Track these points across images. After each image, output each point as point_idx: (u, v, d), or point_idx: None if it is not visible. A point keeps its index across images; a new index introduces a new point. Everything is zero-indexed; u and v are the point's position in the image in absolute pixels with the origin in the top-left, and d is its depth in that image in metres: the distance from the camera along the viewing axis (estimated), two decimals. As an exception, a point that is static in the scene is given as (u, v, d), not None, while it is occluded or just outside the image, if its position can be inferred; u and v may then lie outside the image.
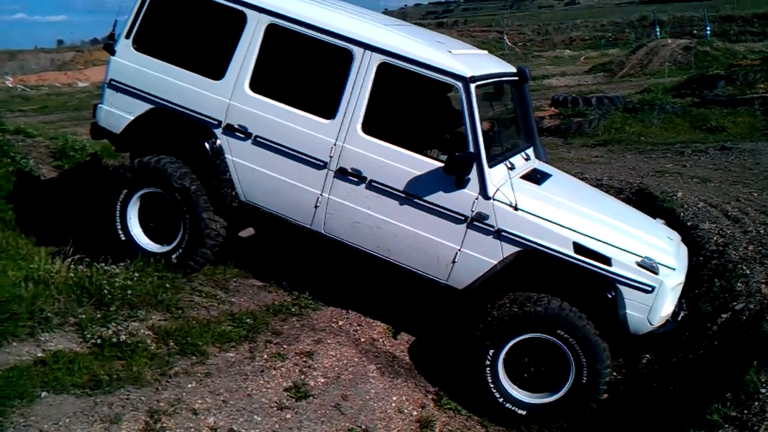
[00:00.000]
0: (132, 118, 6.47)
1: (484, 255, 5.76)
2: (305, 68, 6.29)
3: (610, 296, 5.58)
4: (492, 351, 5.72)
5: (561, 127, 16.89)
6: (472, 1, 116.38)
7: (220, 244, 6.58)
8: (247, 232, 7.03)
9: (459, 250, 5.80)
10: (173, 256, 6.46)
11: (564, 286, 5.72)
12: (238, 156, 6.22)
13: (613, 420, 5.76)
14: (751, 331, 5.88)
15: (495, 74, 6.24)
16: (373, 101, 5.89)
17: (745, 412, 4.69)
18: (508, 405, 5.78)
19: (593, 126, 16.57)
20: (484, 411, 5.86)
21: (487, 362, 5.74)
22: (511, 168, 6.01)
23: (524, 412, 5.77)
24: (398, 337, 6.56)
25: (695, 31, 41.46)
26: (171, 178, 6.31)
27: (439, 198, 5.76)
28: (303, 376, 5.58)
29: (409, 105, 6.51)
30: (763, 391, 4.84)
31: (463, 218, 5.74)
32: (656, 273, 5.54)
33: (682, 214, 8.59)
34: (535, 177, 6.24)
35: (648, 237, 5.93)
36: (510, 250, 5.70)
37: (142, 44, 6.47)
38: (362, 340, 6.31)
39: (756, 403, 4.72)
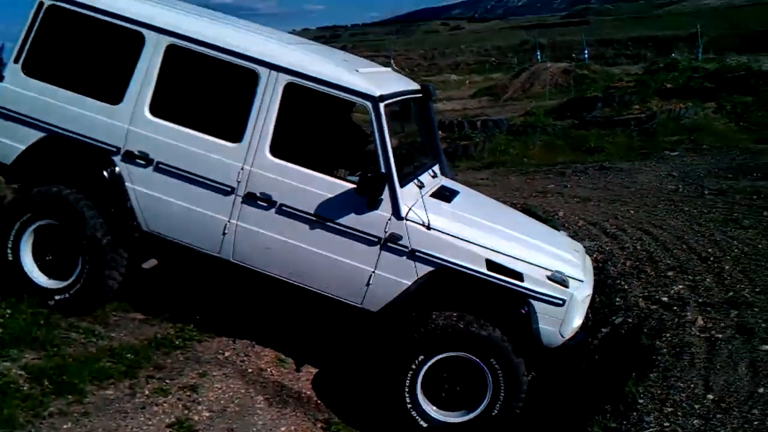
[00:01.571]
0: (24, 147, 6.08)
1: (399, 276, 5.68)
2: (209, 90, 6.06)
3: (523, 311, 5.60)
4: (421, 358, 5.63)
5: (448, 151, 17.10)
6: (359, 27, 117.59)
7: (122, 279, 6.27)
8: (150, 263, 6.76)
9: (373, 272, 5.69)
10: (62, 296, 6.13)
11: (478, 304, 5.71)
12: (140, 184, 5.94)
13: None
14: (630, 345, 6.08)
15: (402, 92, 6.19)
16: (281, 123, 5.73)
17: (624, 422, 4.82)
18: (419, 419, 5.72)
19: (479, 149, 16.95)
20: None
21: (410, 372, 5.65)
22: (421, 186, 5.96)
23: (426, 425, 5.73)
24: (301, 369, 6.44)
25: (574, 55, 42.95)
26: (69, 209, 5.97)
27: (351, 220, 5.65)
28: (187, 411, 5.39)
29: (317, 126, 6.42)
30: (641, 401, 4.99)
31: (376, 240, 5.65)
32: (566, 286, 5.60)
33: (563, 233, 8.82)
34: (444, 194, 6.22)
35: (556, 250, 5.98)
36: (424, 269, 5.65)
37: (32, 69, 6.09)
38: (249, 370, 6.16)
39: (634, 414, 4.86)
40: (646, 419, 4.75)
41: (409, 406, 5.70)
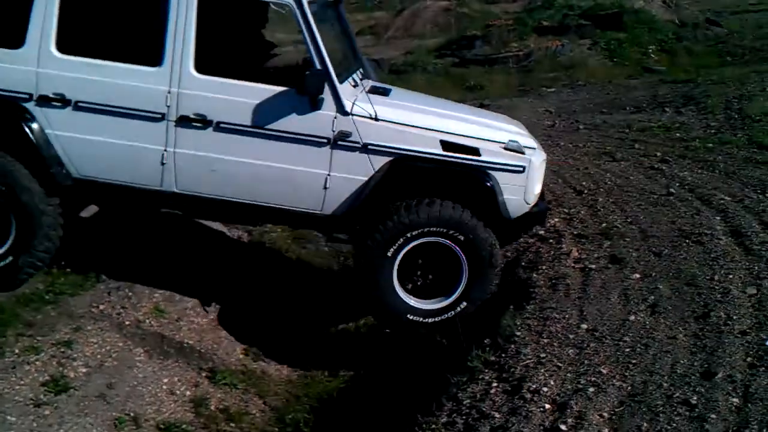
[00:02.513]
0: None
1: (355, 173, 5.58)
2: (116, 16, 5.66)
3: (488, 185, 5.60)
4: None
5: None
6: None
7: (61, 234, 5.89)
8: (90, 210, 6.45)
9: (328, 175, 5.56)
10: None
11: (438, 190, 5.68)
12: (61, 128, 5.55)
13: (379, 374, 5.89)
14: (507, 278, 6.20)
15: None
16: (201, 37, 5.44)
17: (503, 355, 4.92)
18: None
19: (361, 89, 16.78)
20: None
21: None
22: (355, 85, 5.85)
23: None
24: (182, 319, 6.26)
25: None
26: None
27: (295, 125, 5.46)
28: (61, 369, 5.19)
29: (236, 36, 6.17)
30: (518, 334, 5.10)
31: (325, 140, 5.49)
32: (523, 153, 5.69)
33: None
34: (379, 91, 6.11)
35: (502, 125, 6.09)
36: (380, 162, 5.56)
37: None
38: (127, 323, 5.95)
39: (512, 347, 4.96)
40: (523, 351, 4.85)
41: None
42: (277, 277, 7.42)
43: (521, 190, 5.69)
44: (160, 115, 5.50)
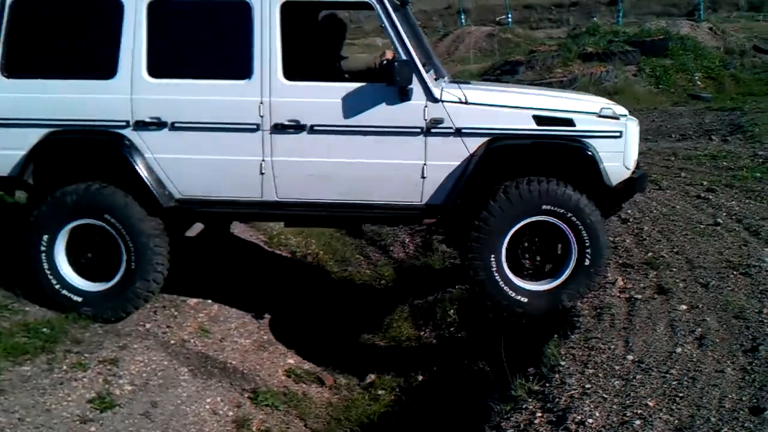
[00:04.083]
0: (25, 152, 5.74)
1: (451, 159, 5.63)
2: (202, 36, 5.82)
3: (588, 153, 5.60)
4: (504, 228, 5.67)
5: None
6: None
7: (169, 260, 6.02)
8: (195, 229, 6.56)
9: (424, 164, 5.63)
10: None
11: (536, 167, 5.72)
12: (160, 151, 5.72)
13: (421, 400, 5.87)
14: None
15: None
16: (286, 45, 5.60)
17: (547, 385, 4.87)
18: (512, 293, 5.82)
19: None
20: None
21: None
22: (436, 78, 5.93)
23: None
24: (226, 339, 6.32)
25: (498, 19, 43.08)
26: (104, 203, 5.76)
27: (387, 118, 5.56)
28: (107, 386, 5.27)
29: (315, 40, 6.29)
30: (562, 363, 5.05)
31: (418, 129, 5.57)
32: (617, 119, 5.71)
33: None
34: (459, 82, 6.16)
35: (589, 97, 6.15)
36: (475, 144, 5.59)
37: (12, 68, 5.75)
38: (172, 342, 6.05)
39: (557, 376, 4.91)
40: (568, 381, 4.80)
41: (501, 281, 5.76)
42: (319, 296, 7.46)
43: (620, 155, 5.70)
44: (254, 126, 5.63)
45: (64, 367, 5.33)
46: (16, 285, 6.19)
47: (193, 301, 6.61)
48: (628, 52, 20.19)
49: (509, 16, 40.11)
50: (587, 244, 5.71)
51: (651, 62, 19.61)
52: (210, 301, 6.73)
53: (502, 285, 5.78)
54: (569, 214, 5.64)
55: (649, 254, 6.75)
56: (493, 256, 5.71)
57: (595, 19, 33.62)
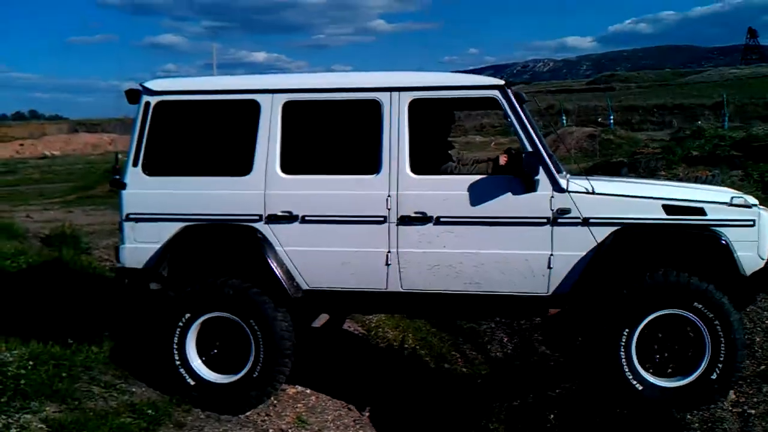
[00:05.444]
0: (160, 246, 6.08)
1: (578, 249, 5.61)
2: (332, 133, 6.12)
3: (722, 242, 5.46)
4: (634, 320, 5.53)
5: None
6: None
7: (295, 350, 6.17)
8: (321, 320, 6.73)
9: (551, 254, 5.62)
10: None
11: (667, 257, 5.61)
12: (290, 243, 5.95)
13: None
14: (660, 417, 5.92)
15: None
16: (414, 140, 5.78)
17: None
18: (635, 383, 5.54)
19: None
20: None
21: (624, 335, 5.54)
22: (559, 171, 5.94)
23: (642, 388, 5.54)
24: (323, 430, 6.31)
25: (599, 120, 43.00)
26: (246, 300, 5.96)
27: (513, 209, 5.62)
28: (207, 471, 5.33)
29: (440, 133, 6.48)
30: None
31: (545, 220, 5.60)
32: (749, 207, 5.58)
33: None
34: (581, 175, 6.17)
35: (717, 188, 6.12)
36: (602, 234, 5.56)
37: (152, 167, 6.12)
38: (270, 430, 6.08)
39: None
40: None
41: (625, 369, 5.54)
42: (416, 390, 7.39)
43: (754, 245, 5.53)
44: (381, 218, 5.78)
45: (167, 450, 5.40)
46: (126, 365, 6.37)
47: (292, 390, 6.64)
48: (734, 157, 19.80)
49: (611, 117, 39.94)
50: (722, 344, 5.41)
51: (758, 167, 19.13)
52: (309, 390, 6.75)
53: (627, 371, 5.56)
54: (702, 307, 5.42)
55: (762, 367, 6.52)
56: (623, 341, 5.54)
57: (699, 122, 33.18)
